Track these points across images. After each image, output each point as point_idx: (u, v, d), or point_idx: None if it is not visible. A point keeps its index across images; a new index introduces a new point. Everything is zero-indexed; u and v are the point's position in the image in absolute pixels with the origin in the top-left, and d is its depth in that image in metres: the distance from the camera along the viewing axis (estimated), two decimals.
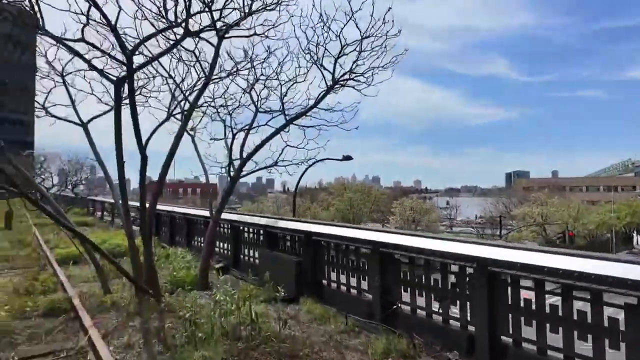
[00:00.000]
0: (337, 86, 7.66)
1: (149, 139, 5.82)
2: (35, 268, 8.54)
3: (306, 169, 15.76)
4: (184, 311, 5.43)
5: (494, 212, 54.64)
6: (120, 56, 5.13)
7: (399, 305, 4.91)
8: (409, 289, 4.99)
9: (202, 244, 10.71)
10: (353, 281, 5.82)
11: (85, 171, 30.67)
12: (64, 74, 7.77)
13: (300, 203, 63.53)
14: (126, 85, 5.51)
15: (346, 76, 7.64)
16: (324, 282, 6.36)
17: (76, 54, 4.60)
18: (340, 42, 7.23)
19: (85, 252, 10.09)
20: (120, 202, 6.23)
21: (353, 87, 7.58)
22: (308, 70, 8.21)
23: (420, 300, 4.84)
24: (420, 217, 41.61)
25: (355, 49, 7.48)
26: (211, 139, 9.35)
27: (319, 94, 7.83)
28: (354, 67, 7.40)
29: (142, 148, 4.91)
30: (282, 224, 7.25)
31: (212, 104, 8.91)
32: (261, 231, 7.88)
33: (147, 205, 6.15)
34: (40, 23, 4.26)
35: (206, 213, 10.92)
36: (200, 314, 5.11)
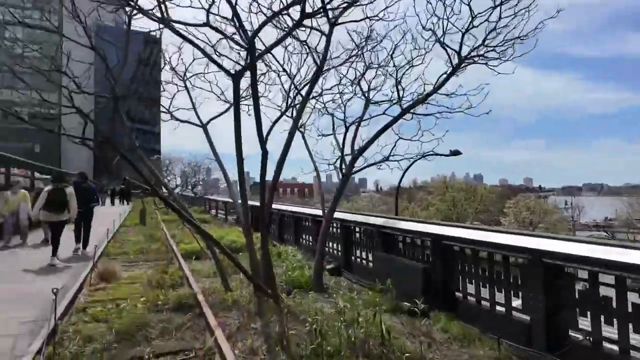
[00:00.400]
0: (463, 65, 6.63)
1: (268, 133, 5.60)
2: (164, 262, 9.19)
3: (410, 165, 14.70)
4: (306, 316, 5.07)
5: (632, 214, 45.75)
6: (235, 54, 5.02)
7: (588, 338, 3.76)
8: (588, 312, 3.81)
9: (310, 243, 10.54)
10: (499, 297, 4.78)
11: (202, 172, 33.98)
12: (185, 78, 8.17)
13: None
14: (242, 82, 5.40)
15: (474, 52, 6.55)
16: (458, 294, 5.42)
17: (197, 47, 4.53)
18: (471, 11, 6.17)
19: (206, 247, 10.73)
20: (239, 200, 6.15)
21: (485, 64, 6.44)
22: (427, 51, 7.32)
23: (610, 329, 3.64)
24: (539, 219, 36.56)
25: (486, 19, 6.36)
26: (319, 135, 9.06)
27: (439, 77, 6.86)
28: (486, 40, 6.27)
29: (263, 143, 4.65)
30: (403, 225, 6.49)
31: (320, 98, 8.60)
32: (376, 232, 7.22)
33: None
34: (166, 16, 4.25)
35: (314, 211, 10.72)
36: (322, 322, 4.65)
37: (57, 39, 5.61)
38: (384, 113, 7.16)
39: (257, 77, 7.76)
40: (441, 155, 16.60)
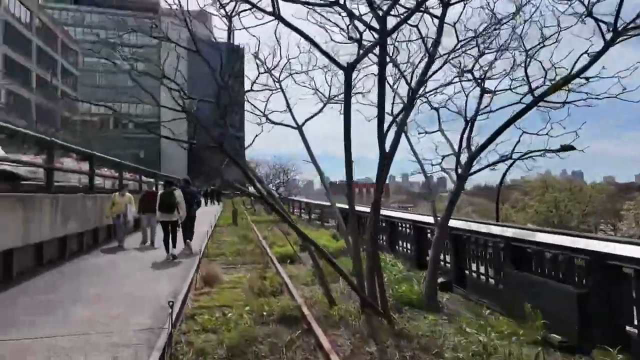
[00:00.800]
0: (619, 40, 5.28)
1: (386, 132, 4.93)
2: (260, 265, 9.12)
3: (513, 162, 13.07)
4: (431, 344, 4.36)
5: None
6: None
7: None
8: None
9: (408, 250, 9.72)
10: None
11: (287, 173, 34.98)
12: (281, 79, 7.97)
13: (485, 204, 56.65)
14: (352, 74, 4.85)
15: (634, 23, 5.17)
16: (631, 330, 4.22)
17: (308, 39, 4.10)
18: None
19: (299, 251, 10.54)
20: (348, 205, 5.62)
21: None
22: (561, 28, 6.06)
23: None
24: None
25: None
26: (420, 133, 8.21)
27: (578, 57, 5.58)
28: None
29: (382, 143, 4.04)
30: (544, 237, 5.37)
31: (424, 92, 7.74)
32: (504, 244, 6.14)
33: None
34: (276, 9, 3.88)
35: (414, 216, 9.89)
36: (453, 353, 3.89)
37: (162, 54, 5.70)
38: (519, 101, 6.07)
39: (367, 67, 7.19)
40: (552, 151, 14.25)
